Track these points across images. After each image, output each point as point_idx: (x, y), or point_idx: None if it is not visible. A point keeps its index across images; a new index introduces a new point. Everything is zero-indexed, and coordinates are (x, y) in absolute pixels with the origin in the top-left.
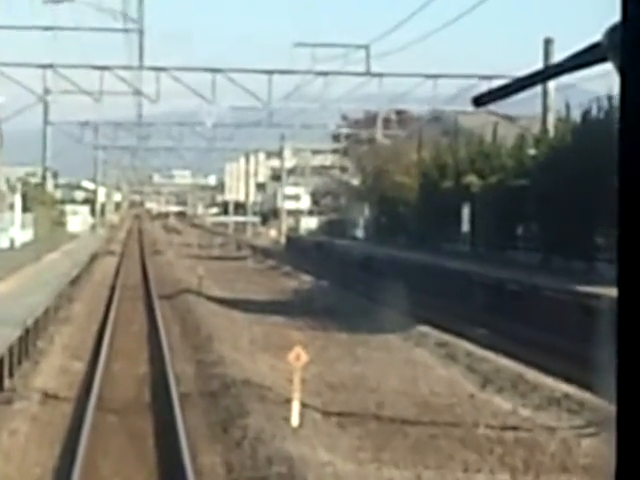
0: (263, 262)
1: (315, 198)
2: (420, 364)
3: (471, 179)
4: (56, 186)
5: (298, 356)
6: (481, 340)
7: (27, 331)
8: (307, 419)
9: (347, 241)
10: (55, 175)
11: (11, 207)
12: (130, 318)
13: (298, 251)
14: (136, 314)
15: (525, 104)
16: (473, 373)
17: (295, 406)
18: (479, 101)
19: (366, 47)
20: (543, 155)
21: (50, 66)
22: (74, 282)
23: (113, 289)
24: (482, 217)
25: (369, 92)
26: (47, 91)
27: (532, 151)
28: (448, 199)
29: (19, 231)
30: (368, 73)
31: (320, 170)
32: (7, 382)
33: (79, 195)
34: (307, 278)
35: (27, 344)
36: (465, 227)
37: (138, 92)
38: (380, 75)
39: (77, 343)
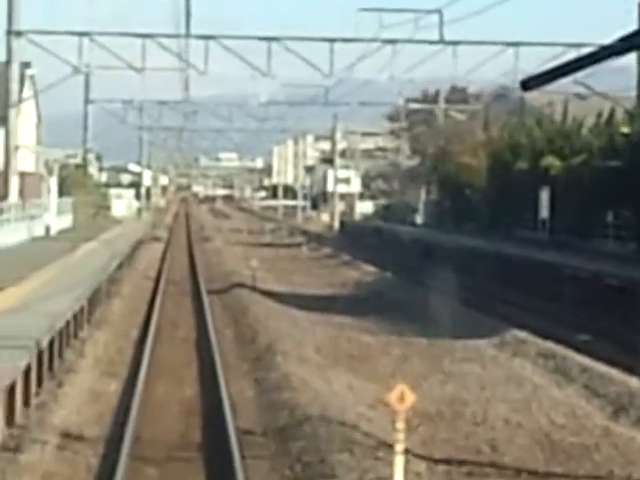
0: (318, 250)
1: (366, 181)
2: (526, 382)
3: (550, 160)
4: (101, 169)
5: (402, 396)
6: (589, 348)
7: (40, 354)
8: (409, 472)
9: (407, 227)
10: (99, 158)
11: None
12: (176, 320)
13: (354, 238)
14: (183, 315)
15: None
16: (597, 396)
17: (399, 463)
18: (527, 85)
19: (439, 12)
20: (639, 133)
21: (87, 34)
22: (111, 278)
23: (157, 283)
24: (564, 202)
25: (442, 62)
26: (87, 66)
27: (625, 129)
28: (523, 182)
29: (55, 218)
30: (441, 41)
31: (371, 153)
32: (20, 415)
33: (125, 179)
34: (369, 268)
35: (51, 358)
36: (544, 213)
37: (185, 63)
38: (454, 43)
39: (112, 354)
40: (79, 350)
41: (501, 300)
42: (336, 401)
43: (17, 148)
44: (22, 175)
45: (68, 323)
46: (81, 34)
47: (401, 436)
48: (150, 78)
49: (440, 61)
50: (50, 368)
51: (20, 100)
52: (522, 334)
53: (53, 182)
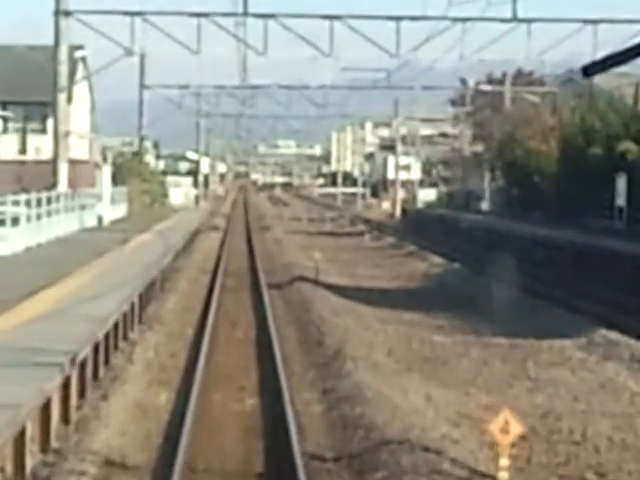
0: (381, 239)
1: (426, 168)
2: (623, 390)
3: (627, 145)
4: (158, 157)
5: (506, 425)
6: None
7: (82, 364)
8: None
9: (472, 215)
10: (156, 145)
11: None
12: (234, 318)
13: (417, 226)
14: (241, 312)
15: None
16: None
17: None
18: (589, 71)
19: None
20: None
21: (139, 14)
22: (166, 272)
23: (214, 276)
24: None
25: (515, 42)
26: (141, 48)
27: None
28: (597, 168)
29: (108, 207)
30: (514, 19)
31: (431, 139)
32: (56, 437)
33: (184, 167)
34: (435, 259)
35: (96, 366)
36: (620, 200)
37: (243, 43)
38: (528, 21)
39: (164, 359)
40: (128, 355)
41: (581, 295)
42: (415, 417)
43: (67, 134)
44: (74, 163)
45: (116, 325)
46: (133, 13)
47: (506, 476)
48: (207, 61)
49: (512, 41)
50: (95, 376)
51: (71, 84)
52: (612, 334)
53: (106, 170)
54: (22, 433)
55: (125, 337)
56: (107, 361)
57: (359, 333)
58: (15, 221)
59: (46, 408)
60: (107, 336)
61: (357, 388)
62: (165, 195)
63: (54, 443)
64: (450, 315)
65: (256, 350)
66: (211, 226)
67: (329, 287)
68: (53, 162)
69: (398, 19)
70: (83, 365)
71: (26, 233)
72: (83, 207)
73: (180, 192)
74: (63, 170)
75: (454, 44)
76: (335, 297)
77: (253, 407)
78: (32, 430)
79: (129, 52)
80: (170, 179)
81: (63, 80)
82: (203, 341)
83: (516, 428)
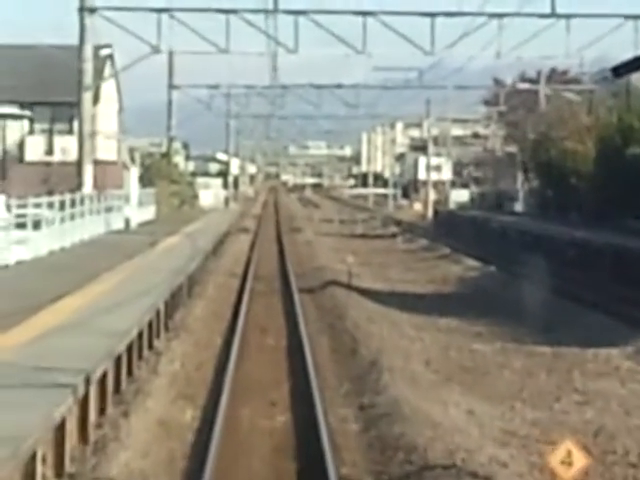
0: (414, 241)
1: (457, 169)
2: None
3: None
4: (187, 158)
5: (568, 457)
6: None
7: (103, 378)
8: None
9: (506, 216)
10: (186, 146)
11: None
12: (264, 325)
13: (450, 228)
14: (272, 318)
15: None
16: None
17: None
18: (619, 71)
19: None
20: None
21: (166, 10)
22: (193, 277)
23: (244, 281)
24: None
25: (554, 38)
26: (169, 48)
27: None
28: (635, 168)
29: (136, 209)
30: (553, 14)
31: (462, 140)
32: (72, 460)
33: (214, 168)
34: (470, 262)
35: (118, 379)
36: None
37: (273, 41)
38: (567, 16)
39: (190, 370)
40: (152, 366)
41: (622, 299)
42: (459, 437)
43: (93, 135)
44: (101, 164)
45: (141, 334)
46: (160, 10)
47: None
48: (236, 61)
49: (551, 37)
50: (117, 390)
51: (98, 83)
52: None
53: (134, 172)
54: (32, 457)
55: (150, 346)
56: (130, 372)
57: (395, 341)
58: (37, 224)
59: (60, 429)
60: (130, 346)
61: (395, 403)
62: (195, 197)
63: (69, 467)
64: (488, 321)
65: (287, 360)
66: (241, 228)
67: (362, 292)
68: (78, 163)
69: (433, 15)
70: (103, 379)
71: (49, 236)
72: (110, 209)
73: (210, 194)
74: (88, 171)
75: (490, 41)
76: (369, 302)
77: (284, 425)
78: (45, 453)
79: (156, 50)
80: (200, 180)
81: (88, 79)
82: (232, 350)
83: (580, 460)
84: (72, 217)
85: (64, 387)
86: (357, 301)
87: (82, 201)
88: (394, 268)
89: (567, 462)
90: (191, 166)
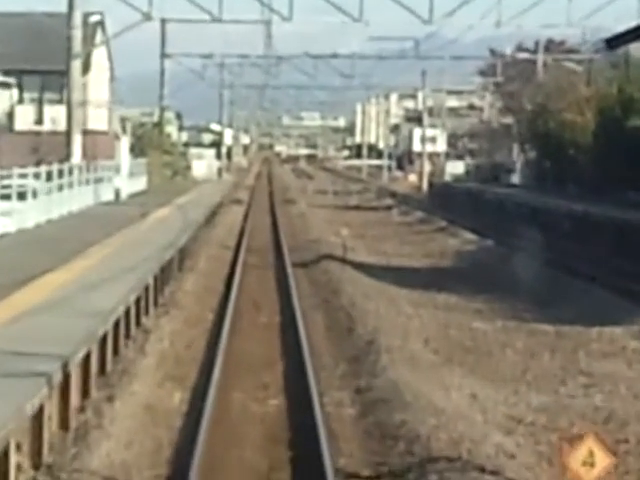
0: (410, 214)
1: (451, 141)
2: None
3: None
4: (181, 128)
5: (590, 457)
6: None
7: (86, 358)
8: None
9: (503, 188)
10: (179, 116)
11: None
12: (257, 300)
13: (446, 200)
14: (265, 294)
15: None
16: None
17: None
18: (612, 43)
19: None
20: None
21: None
22: (184, 250)
23: (236, 254)
24: None
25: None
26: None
27: None
28: (635, 140)
29: (126, 180)
30: None
31: (457, 111)
32: (50, 450)
33: (207, 138)
34: (468, 235)
35: (103, 359)
36: None
37: (267, 8)
38: None
39: (180, 350)
40: (140, 345)
41: (625, 275)
42: (463, 425)
43: (82, 104)
44: (92, 134)
45: (128, 311)
46: None
47: None
48: (229, 30)
49: (553, 5)
50: (102, 371)
51: (89, 49)
52: None
53: (124, 142)
54: (5, 449)
55: (138, 323)
56: (116, 352)
57: (392, 319)
58: (23, 195)
59: (38, 417)
60: (116, 325)
61: (394, 387)
62: (187, 167)
63: (47, 457)
64: (487, 297)
65: (281, 339)
66: (234, 199)
67: (357, 266)
68: (67, 133)
69: None
70: (86, 361)
71: (35, 208)
72: (99, 180)
73: (203, 164)
74: (77, 141)
75: (490, 9)
76: (364, 277)
77: (277, 410)
78: (20, 442)
79: (147, 17)
80: (193, 151)
81: (77, 46)
82: (223, 328)
83: (603, 460)
84: (60, 188)
85: (39, 376)
86: (352, 276)
87: (70, 172)
88: (389, 241)
89: (589, 463)
90: (184, 136)
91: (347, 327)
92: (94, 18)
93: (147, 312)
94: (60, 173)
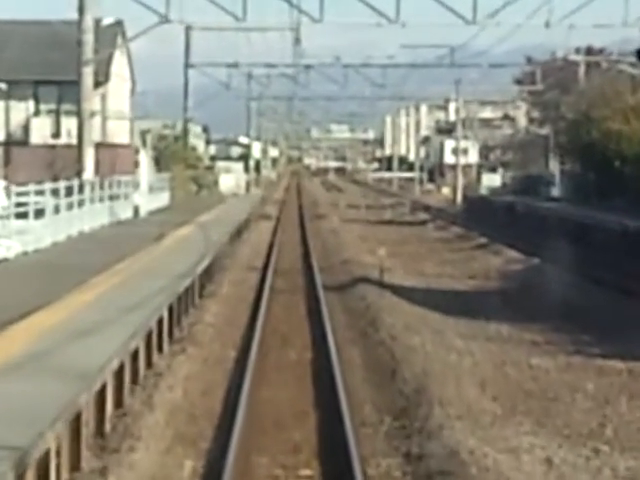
0: (446, 229)
1: (483, 152)
2: None
3: None
4: (208, 142)
5: None
6: None
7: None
8: None
9: (545, 202)
10: (206, 129)
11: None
12: (286, 332)
13: (483, 214)
14: (294, 323)
15: None
16: None
17: None
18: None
19: None
20: None
21: None
22: (206, 274)
23: (263, 276)
24: None
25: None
26: (182, 18)
27: None
28: None
29: (146, 196)
30: None
31: (489, 122)
32: None
33: (236, 151)
34: (511, 253)
35: (102, 415)
36: None
37: (296, 9)
38: None
39: (194, 399)
40: (148, 394)
41: None
42: None
43: (92, 114)
44: (113, 147)
45: (136, 352)
46: None
47: None
48: (255, 38)
49: (608, 5)
50: (99, 433)
51: (107, 55)
52: None
53: (143, 155)
54: None
55: (149, 364)
56: (119, 404)
57: (441, 357)
58: (24, 215)
59: None
60: (121, 369)
61: (453, 452)
62: (215, 182)
63: None
64: (542, 326)
65: (313, 383)
66: (262, 215)
67: (396, 290)
68: (78, 146)
69: None
70: (76, 422)
71: (38, 230)
72: (115, 197)
73: (230, 178)
74: (89, 155)
75: (539, 7)
76: (404, 303)
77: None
78: None
79: (165, 19)
80: (220, 164)
81: (89, 52)
82: (246, 369)
83: None
84: (69, 206)
85: None
86: (391, 302)
87: (81, 188)
88: (428, 260)
89: None
90: (212, 150)
91: (390, 368)
92: (107, 21)
93: (160, 349)
94: (69, 190)
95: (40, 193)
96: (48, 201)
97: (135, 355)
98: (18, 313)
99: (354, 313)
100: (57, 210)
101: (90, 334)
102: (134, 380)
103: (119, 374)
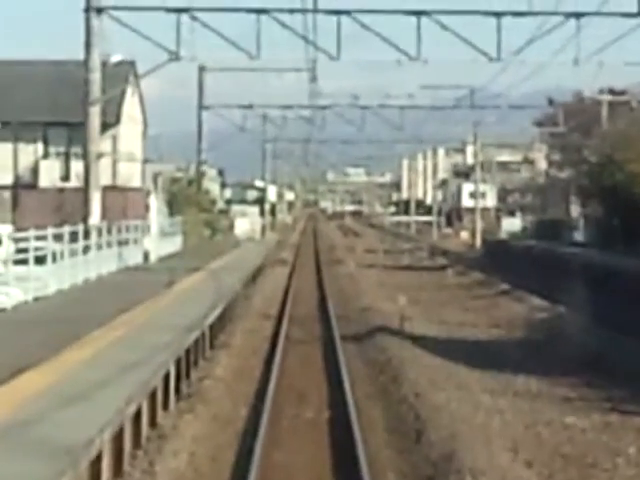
0: (466, 274)
1: (501, 195)
2: None
3: None
4: (223, 185)
5: None
6: None
7: None
8: None
9: (567, 248)
10: (221, 173)
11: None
12: (301, 388)
13: (504, 259)
14: (311, 378)
15: None
16: None
17: None
18: None
19: None
20: None
21: (186, 10)
22: (214, 329)
23: (278, 325)
24: None
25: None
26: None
27: None
28: None
29: (157, 241)
30: None
31: (506, 165)
32: None
33: (251, 195)
34: (535, 301)
35: None
36: None
37: (312, 45)
38: None
39: (203, 465)
40: (149, 461)
41: None
42: None
43: (100, 156)
44: (121, 191)
45: (138, 412)
46: (179, 10)
47: None
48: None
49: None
50: None
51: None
52: None
53: (153, 199)
54: None
55: (153, 424)
56: (117, 473)
57: (469, 417)
58: (24, 262)
59: None
60: (120, 433)
61: None
62: (230, 226)
63: None
64: (574, 380)
65: (331, 446)
66: (277, 259)
67: (417, 340)
68: (84, 190)
69: (499, 15)
70: None
71: (41, 277)
72: (124, 242)
73: (245, 222)
74: (95, 199)
75: (566, 44)
76: (427, 355)
77: None
78: None
79: (175, 57)
80: (236, 208)
81: (96, 91)
82: (259, 430)
83: None
84: (72, 253)
85: None
86: (413, 354)
87: (87, 234)
88: (448, 307)
89: None
90: (228, 193)
91: (414, 429)
92: (115, 58)
93: (166, 407)
94: (73, 235)
95: (42, 238)
96: (50, 247)
97: (137, 416)
98: (5, 373)
99: (374, 366)
100: (61, 256)
101: (83, 398)
102: (136, 444)
103: (118, 439)
